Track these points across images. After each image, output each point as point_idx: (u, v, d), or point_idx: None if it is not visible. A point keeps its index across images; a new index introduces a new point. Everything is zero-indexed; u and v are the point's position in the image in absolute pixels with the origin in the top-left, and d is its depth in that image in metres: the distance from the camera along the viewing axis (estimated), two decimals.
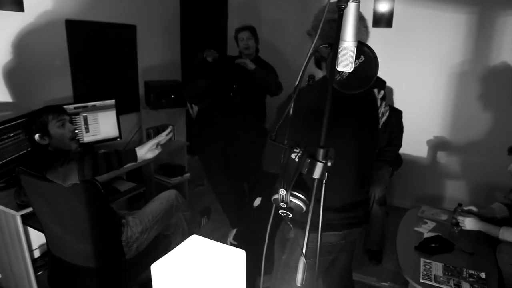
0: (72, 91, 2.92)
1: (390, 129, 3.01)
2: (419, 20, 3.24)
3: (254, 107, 3.23)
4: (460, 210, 2.37)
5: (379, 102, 3.03)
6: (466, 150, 3.34)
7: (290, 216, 1.01)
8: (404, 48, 3.34)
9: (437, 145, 3.46)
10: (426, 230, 2.52)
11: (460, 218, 2.30)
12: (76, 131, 1.88)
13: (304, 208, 0.99)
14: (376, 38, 3.39)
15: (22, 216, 2.08)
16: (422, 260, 2.18)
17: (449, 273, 2.06)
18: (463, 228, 2.31)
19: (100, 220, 1.70)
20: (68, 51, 2.83)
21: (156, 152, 1.80)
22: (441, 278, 2.02)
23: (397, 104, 3.23)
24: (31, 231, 2.51)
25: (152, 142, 1.78)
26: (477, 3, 3.03)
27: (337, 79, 1.16)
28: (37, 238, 2.67)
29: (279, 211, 1.02)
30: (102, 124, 2.89)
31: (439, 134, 3.42)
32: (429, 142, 3.48)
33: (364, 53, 1.14)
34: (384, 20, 3.35)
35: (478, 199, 3.31)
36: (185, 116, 3.42)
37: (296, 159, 0.97)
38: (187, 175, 3.37)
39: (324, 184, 0.98)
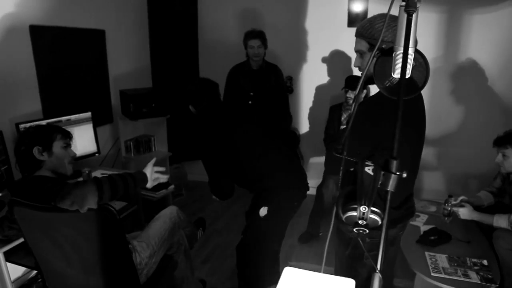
0: (40, 105, 2.63)
1: None
2: None
3: (274, 114, 3.17)
4: (451, 201, 2.47)
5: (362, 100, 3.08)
6: (440, 142, 3.52)
7: (366, 233, 0.96)
8: None
9: None
10: (421, 223, 2.61)
11: (455, 209, 2.40)
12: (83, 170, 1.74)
13: (380, 221, 0.95)
14: (351, 38, 3.47)
15: (5, 253, 1.83)
16: (426, 253, 2.24)
17: (455, 264, 2.14)
18: (458, 217, 2.41)
19: (114, 250, 1.53)
20: (34, 60, 2.55)
21: (158, 181, 1.69)
22: (449, 270, 2.09)
23: None
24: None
25: (154, 166, 1.67)
26: (446, 3, 3.19)
27: (387, 85, 1.13)
28: (12, 271, 2.38)
29: (354, 229, 0.96)
30: (79, 140, 2.64)
31: None
32: None
33: (416, 58, 1.12)
34: (358, 20, 3.41)
35: (454, 188, 3.50)
36: (166, 126, 3.24)
37: (371, 173, 0.92)
38: (172, 187, 3.19)
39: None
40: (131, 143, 3.07)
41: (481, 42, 3.20)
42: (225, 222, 3.47)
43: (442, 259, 2.19)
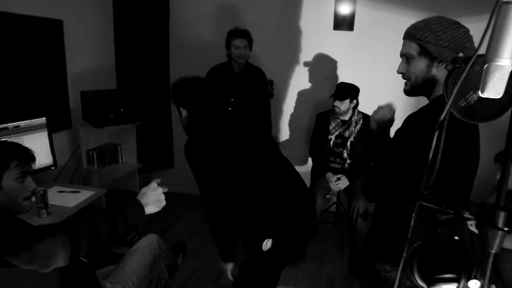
0: None
1: (365, 137, 2.90)
2: (380, 24, 3.20)
3: (257, 123, 2.88)
4: None
5: (351, 111, 2.89)
6: None
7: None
8: (366, 51, 3.28)
9: None
10: None
11: None
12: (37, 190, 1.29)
13: None
14: (338, 41, 3.28)
15: None
16: None
17: None
18: None
19: None
20: None
21: (163, 204, 1.34)
22: None
23: (359, 108, 3.11)
24: None
25: (158, 188, 1.31)
26: (434, 9, 3.08)
27: (462, 105, 0.89)
28: None
29: None
30: None
31: None
32: None
33: None
34: (345, 23, 3.23)
35: None
36: (135, 134, 2.83)
37: (476, 230, 0.68)
38: None
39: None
40: (94, 153, 2.64)
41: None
42: (200, 239, 3.13)
43: None
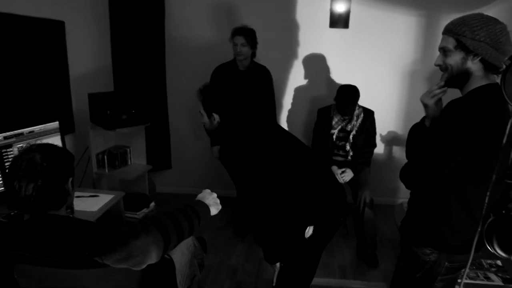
0: None
1: (366, 130, 3.03)
2: (374, 22, 3.33)
3: (266, 118, 2.94)
4: None
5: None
6: None
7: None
8: (360, 48, 3.41)
9: (391, 140, 3.65)
10: None
11: None
12: None
13: None
14: (334, 39, 3.39)
15: None
16: None
17: (473, 267, 2.15)
18: None
19: None
20: None
21: (220, 207, 1.40)
22: (471, 274, 2.09)
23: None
24: None
25: (213, 193, 1.37)
26: (424, 7, 3.26)
27: None
28: None
29: None
30: None
31: (393, 129, 3.62)
32: (383, 138, 3.66)
33: None
34: (341, 21, 3.34)
35: None
36: (144, 135, 2.80)
37: None
38: (153, 204, 2.79)
39: None
40: (105, 156, 2.60)
41: None
42: (208, 237, 3.15)
43: None
